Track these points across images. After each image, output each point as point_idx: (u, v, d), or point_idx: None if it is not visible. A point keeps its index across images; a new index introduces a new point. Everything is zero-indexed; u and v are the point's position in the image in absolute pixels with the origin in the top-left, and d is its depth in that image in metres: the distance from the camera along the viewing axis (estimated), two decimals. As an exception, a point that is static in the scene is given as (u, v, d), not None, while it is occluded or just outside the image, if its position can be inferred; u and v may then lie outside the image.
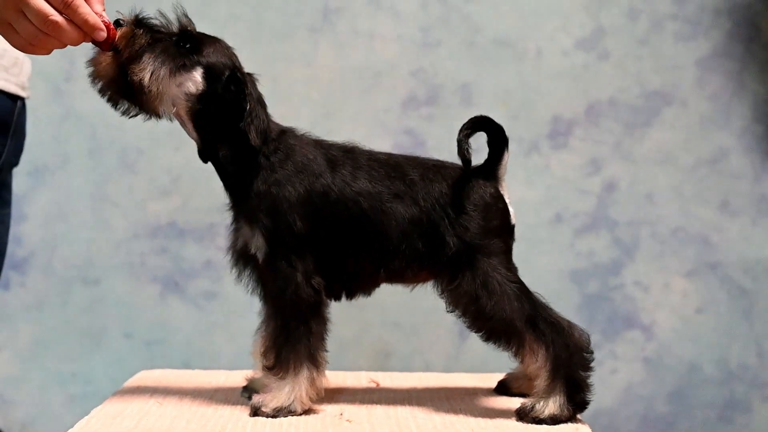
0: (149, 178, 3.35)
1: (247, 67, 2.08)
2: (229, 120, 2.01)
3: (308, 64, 3.36)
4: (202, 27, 2.11)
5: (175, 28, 2.02)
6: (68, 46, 1.90)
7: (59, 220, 3.35)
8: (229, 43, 2.08)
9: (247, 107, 2.00)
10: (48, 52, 1.92)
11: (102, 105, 2.02)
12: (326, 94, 3.37)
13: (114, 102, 2.02)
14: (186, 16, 2.02)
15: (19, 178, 2.93)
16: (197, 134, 2.06)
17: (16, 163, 2.50)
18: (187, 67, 2.00)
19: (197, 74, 2.00)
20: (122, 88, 1.99)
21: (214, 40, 2.05)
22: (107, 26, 1.91)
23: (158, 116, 2.04)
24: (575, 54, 3.39)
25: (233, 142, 2.03)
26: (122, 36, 1.97)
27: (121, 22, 1.98)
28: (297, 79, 3.36)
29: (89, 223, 3.35)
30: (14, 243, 2.98)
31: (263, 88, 2.10)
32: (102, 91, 2.00)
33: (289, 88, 3.33)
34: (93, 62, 1.99)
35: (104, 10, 1.91)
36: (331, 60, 3.37)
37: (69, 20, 1.85)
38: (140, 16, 2.00)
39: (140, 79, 1.95)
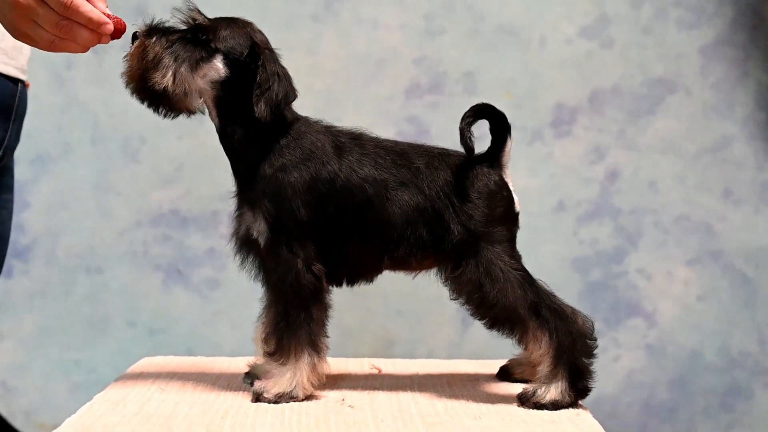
0: (152, 166, 3.35)
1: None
2: (247, 100, 2.01)
3: (311, 52, 3.36)
4: (206, 14, 2.11)
5: (188, 24, 2.03)
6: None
7: (62, 208, 3.35)
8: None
9: (258, 79, 2.00)
10: (83, 50, 1.94)
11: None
12: (329, 82, 3.36)
13: (153, 107, 2.04)
14: (197, 9, 2.04)
15: (22, 166, 2.93)
16: (219, 119, 2.07)
17: (15, 146, 2.51)
18: (206, 58, 2.02)
19: (218, 62, 2.02)
20: (152, 96, 2.01)
21: (229, 22, 2.06)
22: (111, 18, 1.91)
23: (192, 112, 2.07)
24: (579, 42, 3.38)
25: (248, 122, 2.03)
26: (134, 53, 2.00)
27: (137, 35, 2.01)
28: (300, 67, 3.31)
29: (92, 212, 3.35)
30: (17, 231, 2.98)
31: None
32: (136, 96, 2.03)
33: (292, 77, 3.31)
34: (125, 71, 2.02)
35: (107, 6, 1.92)
36: (334, 48, 3.36)
37: (76, 21, 1.87)
38: (152, 25, 2.03)
39: (164, 86, 1.98)
